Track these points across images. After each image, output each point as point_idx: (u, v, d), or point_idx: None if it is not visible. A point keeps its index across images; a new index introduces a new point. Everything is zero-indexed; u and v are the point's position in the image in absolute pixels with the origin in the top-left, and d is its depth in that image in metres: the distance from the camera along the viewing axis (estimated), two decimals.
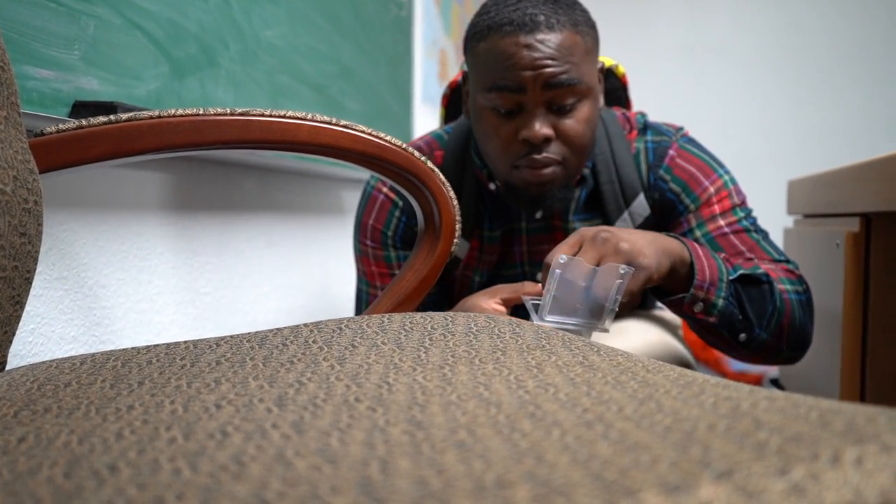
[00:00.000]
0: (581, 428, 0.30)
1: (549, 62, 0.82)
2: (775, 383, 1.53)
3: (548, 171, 0.86)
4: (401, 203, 1.01)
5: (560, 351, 0.46)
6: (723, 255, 0.92)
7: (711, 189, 0.95)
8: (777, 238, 1.38)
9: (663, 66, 3.15)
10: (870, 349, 0.97)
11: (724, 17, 3.12)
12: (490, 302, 0.82)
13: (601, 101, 0.93)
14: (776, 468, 0.23)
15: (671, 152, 0.97)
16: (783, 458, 0.24)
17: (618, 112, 1.02)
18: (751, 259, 0.93)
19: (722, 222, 0.94)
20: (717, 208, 0.95)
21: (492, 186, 0.97)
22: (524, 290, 0.85)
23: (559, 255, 0.75)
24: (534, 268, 1.01)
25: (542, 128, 0.84)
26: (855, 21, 2.98)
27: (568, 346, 0.47)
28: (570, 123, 0.86)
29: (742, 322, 0.86)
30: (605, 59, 1.08)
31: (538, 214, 0.97)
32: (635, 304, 0.99)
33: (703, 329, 0.87)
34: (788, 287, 0.89)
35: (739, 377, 2.30)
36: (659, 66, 3.14)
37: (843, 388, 1.00)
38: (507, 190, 0.91)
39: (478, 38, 0.87)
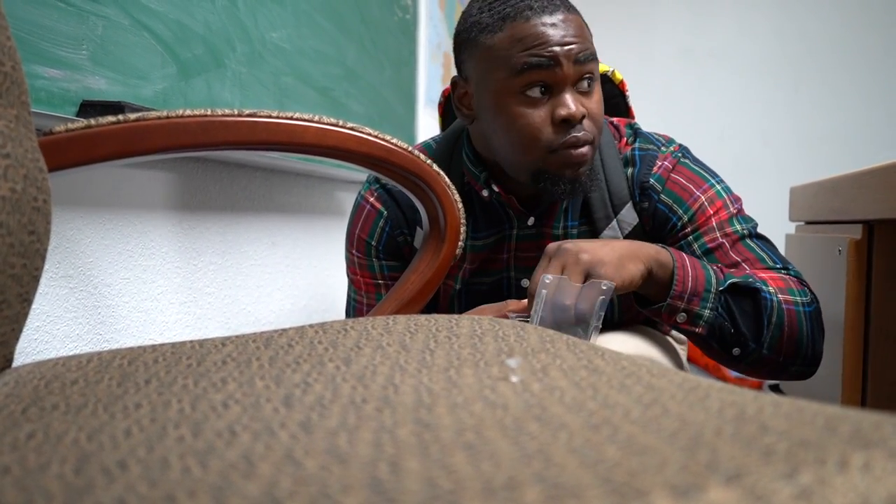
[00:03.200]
0: (588, 431, 0.30)
1: (576, 39, 0.85)
2: (775, 389, 1.53)
3: (585, 149, 0.86)
4: (385, 213, 1.00)
5: (565, 354, 0.46)
6: (718, 265, 0.90)
7: (703, 199, 0.94)
8: (779, 244, 1.39)
9: (664, 71, 3.15)
10: (871, 356, 0.97)
11: (725, 22, 3.13)
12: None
13: None
14: (784, 472, 0.23)
15: (663, 163, 0.96)
16: (791, 462, 0.24)
17: (607, 120, 1.02)
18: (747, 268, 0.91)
19: (718, 234, 0.93)
20: (713, 220, 0.93)
21: (485, 193, 0.96)
22: (508, 308, 0.86)
23: (544, 276, 0.76)
24: (518, 273, 1.00)
25: (579, 105, 0.85)
26: (857, 27, 2.98)
27: (572, 350, 0.47)
28: (593, 102, 0.87)
29: (734, 336, 0.84)
30: (602, 66, 1.07)
31: (530, 221, 0.97)
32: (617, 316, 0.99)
33: (695, 340, 0.87)
34: (793, 298, 0.87)
35: (739, 383, 2.30)
36: (660, 70, 3.14)
37: (845, 394, 1.00)
38: (540, 181, 0.89)
39: (489, 31, 0.86)
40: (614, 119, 1.03)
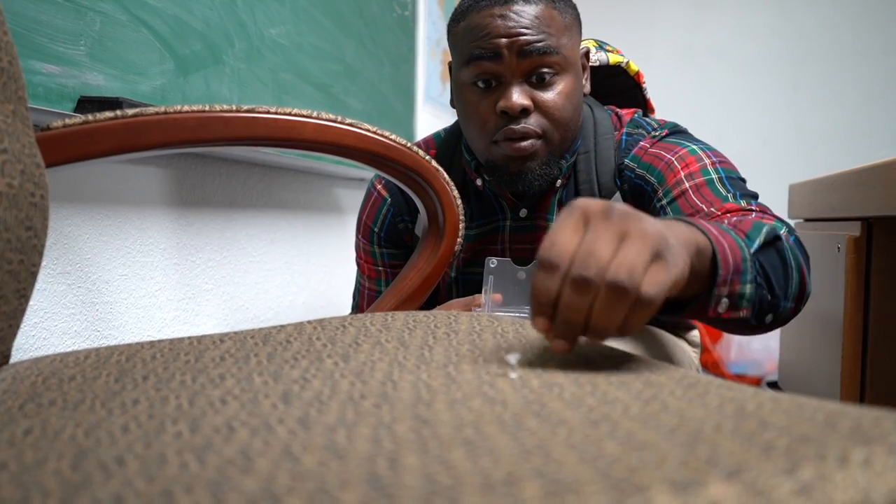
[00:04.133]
0: (587, 427, 0.30)
1: (524, 30, 0.83)
2: (773, 386, 1.53)
3: (526, 143, 0.85)
4: (389, 199, 1.01)
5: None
6: (732, 223, 0.74)
7: (672, 158, 0.87)
8: None
9: (663, 69, 3.15)
10: (870, 353, 0.97)
11: (724, 20, 3.13)
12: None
13: (586, 86, 0.93)
14: (784, 468, 0.23)
15: (643, 143, 0.91)
16: (791, 458, 0.24)
17: (611, 111, 1.00)
18: (722, 217, 0.77)
19: (686, 185, 0.83)
20: (681, 173, 0.85)
21: (479, 182, 0.96)
22: (475, 302, 0.86)
23: (489, 259, 0.77)
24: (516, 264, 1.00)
25: (519, 98, 0.83)
26: (856, 25, 2.98)
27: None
28: (549, 95, 0.85)
29: (770, 302, 0.69)
30: (615, 56, 1.06)
31: (523, 213, 0.97)
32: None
33: (725, 324, 0.68)
34: (785, 233, 0.74)
35: (738, 380, 2.30)
36: (659, 68, 3.14)
37: (844, 391, 1.00)
38: (488, 169, 0.90)
39: (457, 20, 0.88)
40: (621, 110, 1.00)
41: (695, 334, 1.10)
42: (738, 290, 0.64)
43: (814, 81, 3.03)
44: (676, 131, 0.93)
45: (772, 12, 3.08)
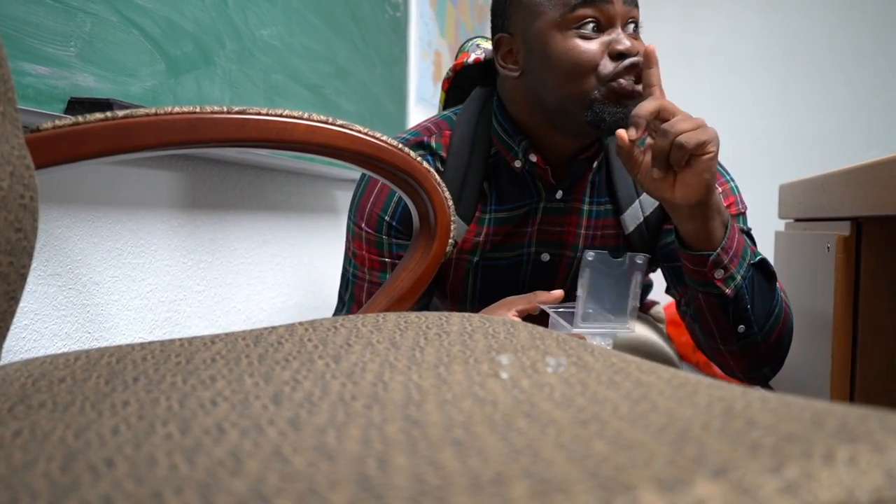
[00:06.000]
0: (576, 427, 0.30)
1: None
2: (764, 385, 1.54)
3: (639, 86, 0.88)
4: None
5: (554, 351, 0.46)
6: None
7: (720, 191, 0.97)
8: (768, 242, 1.39)
9: None
10: (860, 352, 0.98)
11: (716, 21, 3.14)
12: (507, 315, 0.83)
13: None
14: (770, 466, 0.23)
15: None
16: (777, 456, 0.24)
17: None
18: None
19: None
20: None
21: (517, 164, 0.96)
22: (538, 298, 0.86)
23: (586, 252, 0.77)
24: (540, 247, 1.01)
25: (634, 42, 0.87)
26: (847, 26, 2.99)
27: (562, 347, 0.47)
28: (640, 45, 0.89)
29: (746, 313, 0.87)
30: None
31: (559, 195, 0.97)
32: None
33: (707, 308, 0.88)
34: (788, 301, 0.92)
35: (728, 380, 2.31)
36: None
37: (833, 391, 1.00)
38: (590, 111, 0.89)
39: None
40: None
41: (658, 309, 1.34)
42: (733, 271, 0.85)
43: (805, 81, 3.04)
44: None
45: (763, 12, 3.09)
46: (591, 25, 0.87)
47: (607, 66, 0.87)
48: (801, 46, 3.02)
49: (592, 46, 0.87)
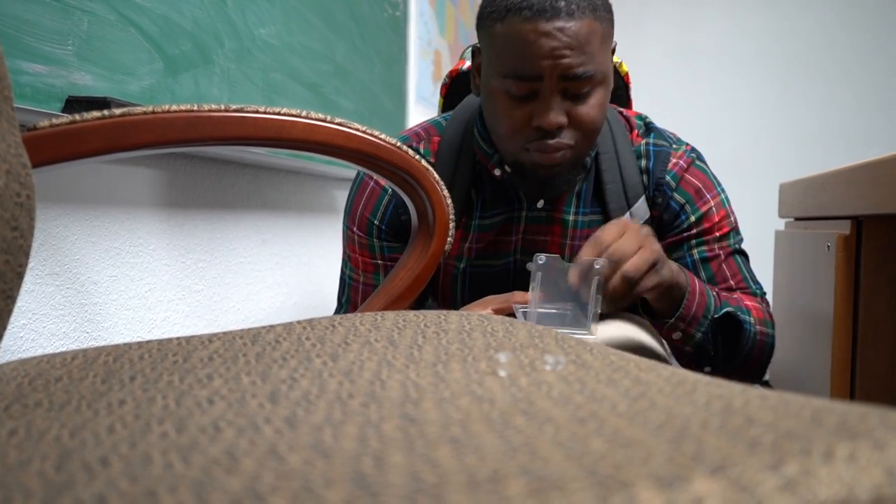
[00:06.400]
0: (574, 424, 0.30)
1: (567, 52, 0.80)
2: (764, 384, 1.54)
3: (558, 155, 0.86)
4: (390, 190, 0.99)
5: (553, 349, 0.46)
6: (716, 291, 0.97)
7: (712, 203, 0.99)
8: (768, 241, 1.39)
9: (655, 69, 3.16)
10: (860, 351, 0.98)
11: (716, 20, 3.14)
12: (483, 313, 0.83)
13: (612, 83, 0.93)
14: (769, 463, 0.23)
15: (678, 161, 0.99)
16: (776, 453, 0.24)
17: (616, 110, 1.02)
18: (736, 290, 0.99)
19: (716, 246, 0.99)
20: (715, 230, 0.99)
21: (497, 172, 0.96)
22: (514, 299, 0.86)
23: (537, 255, 0.77)
24: (525, 256, 1.01)
25: (556, 116, 0.83)
26: (847, 26, 2.99)
27: (560, 345, 0.47)
28: (584, 109, 0.84)
29: (711, 358, 0.92)
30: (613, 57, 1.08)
31: (540, 204, 0.97)
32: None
33: (676, 352, 0.94)
34: (767, 331, 0.95)
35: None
36: (650, 68, 3.15)
37: (834, 389, 1.00)
38: (515, 170, 0.91)
39: (494, 17, 0.84)
40: (625, 110, 1.03)
41: None
42: (692, 332, 0.90)
43: (805, 81, 3.04)
44: (698, 152, 1.04)
45: (764, 12, 3.09)
46: (517, 93, 0.84)
47: (526, 136, 0.86)
48: (801, 46, 3.02)
49: (518, 113, 0.85)
